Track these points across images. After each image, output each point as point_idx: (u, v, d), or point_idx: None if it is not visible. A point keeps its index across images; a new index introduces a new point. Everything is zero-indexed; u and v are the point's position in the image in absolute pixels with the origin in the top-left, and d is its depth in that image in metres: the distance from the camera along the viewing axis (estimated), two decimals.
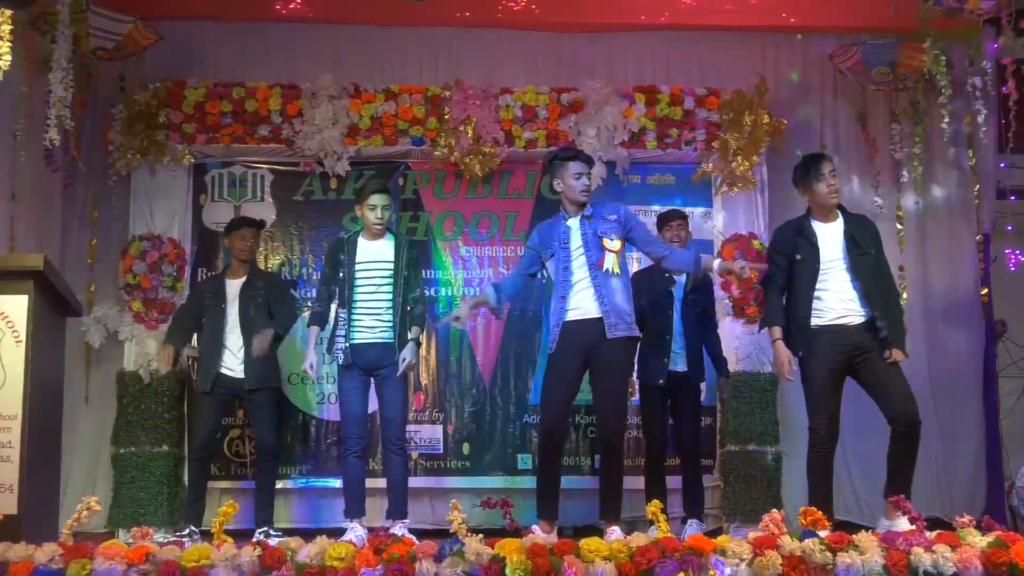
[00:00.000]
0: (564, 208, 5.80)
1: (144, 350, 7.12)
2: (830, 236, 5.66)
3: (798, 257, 5.67)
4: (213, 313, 6.64)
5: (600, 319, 5.54)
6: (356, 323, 6.10)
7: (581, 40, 8.03)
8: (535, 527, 5.56)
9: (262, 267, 7.24)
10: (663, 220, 6.87)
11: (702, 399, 6.96)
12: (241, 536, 4.28)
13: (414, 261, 6.28)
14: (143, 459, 6.96)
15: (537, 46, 8.02)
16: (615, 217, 5.71)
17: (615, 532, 5.38)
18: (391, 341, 6.11)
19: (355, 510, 6.10)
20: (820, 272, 5.60)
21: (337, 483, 6.99)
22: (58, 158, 6.76)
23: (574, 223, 5.71)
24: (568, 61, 8.00)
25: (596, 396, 5.72)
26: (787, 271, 5.75)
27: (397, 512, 6.11)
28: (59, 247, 7.40)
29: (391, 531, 5.54)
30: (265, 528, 6.43)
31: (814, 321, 5.60)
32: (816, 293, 5.59)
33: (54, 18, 6.37)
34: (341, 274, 6.16)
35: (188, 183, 7.51)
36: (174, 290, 7.22)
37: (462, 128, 7.35)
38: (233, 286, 6.68)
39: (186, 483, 6.98)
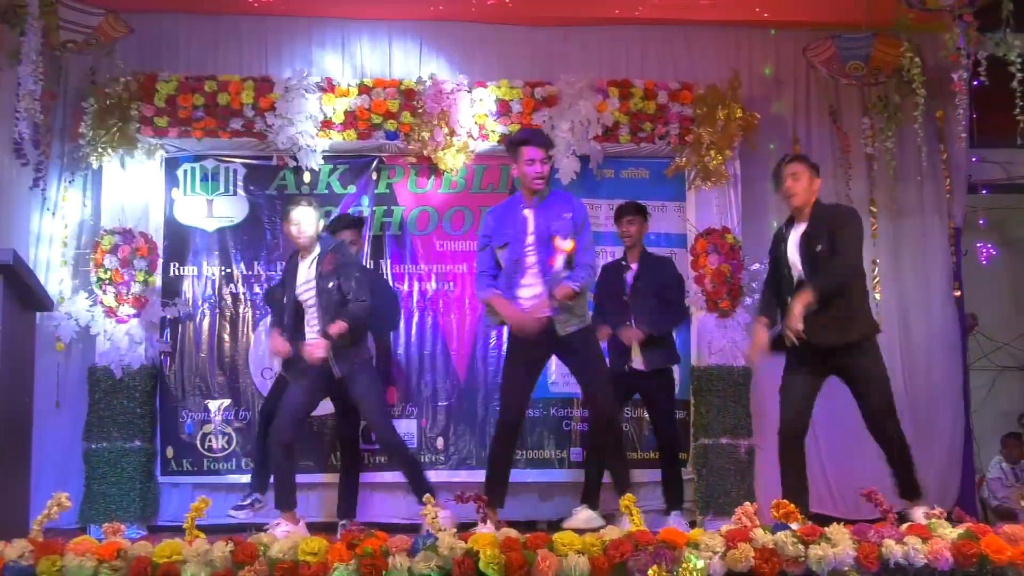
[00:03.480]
0: (521, 193, 5.58)
1: (116, 344, 7.07)
2: (793, 240, 5.57)
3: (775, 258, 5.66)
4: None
5: (549, 319, 5.39)
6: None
7: (555, 34, 8.02)
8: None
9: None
10: (617, 214, 6.86)
11: (676, 392, 6.95)
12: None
13: (342, 267, 5.99)
14: (115, 454, 6.94)
15: (511, 40, 8.00)
16: (570, 215, 5.48)
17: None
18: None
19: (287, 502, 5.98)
20: (784, 278, 5.56)
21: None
22: (28, 151, 6.71)
23: (529, 213, 5.49)
24: (542, 55, 7.99)
25: (580, 381, 5.64)
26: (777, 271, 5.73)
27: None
28: (29, 241, 7.34)
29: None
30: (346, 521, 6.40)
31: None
32: (788, 296, 5.51)
33: (23, 11, 6.34)
34: (285, 299, 6.08)
35: (160, 177, 7.46)
36: (146, 284, 7.16)
37: (436, 122, 7.32)
38: None
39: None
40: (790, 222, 5.65)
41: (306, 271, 6.01)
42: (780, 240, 5.64)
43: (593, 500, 6.37)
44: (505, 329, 5.67)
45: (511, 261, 5.47)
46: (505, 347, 5.78)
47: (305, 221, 5.97)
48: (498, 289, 5.48)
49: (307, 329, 5.98)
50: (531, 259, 5.45)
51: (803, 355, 5.46)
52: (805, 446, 5.60)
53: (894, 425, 5.48)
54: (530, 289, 5.44)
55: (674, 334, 6.90)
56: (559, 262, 5.34)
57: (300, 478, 6.70)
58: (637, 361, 6.58)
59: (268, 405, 6.68)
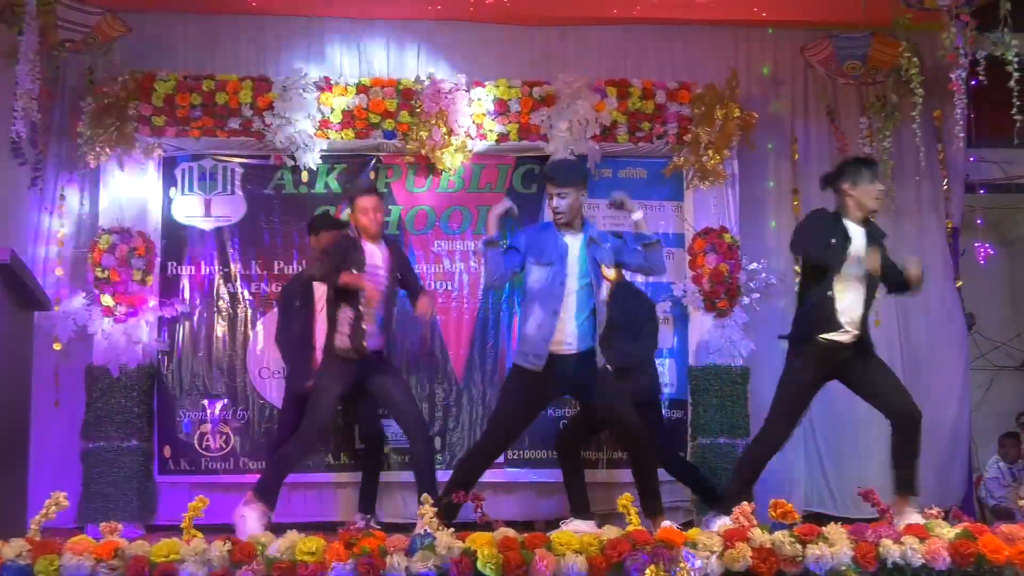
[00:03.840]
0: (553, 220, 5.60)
1: (114, 344, 7.06)
2: (858, 240, 5.47)
3: (832, 241, 5.41)
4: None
5: (592, 349, 5.46)
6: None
7: (553, 34, 8.03)
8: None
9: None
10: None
11: (662, 395, 6.93)
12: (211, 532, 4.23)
13: (404, 260, 6.40)
14: (113, 454, 6.93)
15: (509, 40, 8.00)
16: (608, 244, 5.62)
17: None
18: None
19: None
20: (842, 271, 5.41)
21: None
22: (25, 151, 6.71)
23: (573, 241, 5.52)
24: (540, 55, 8.00)
25: (605, 409, 5.59)
26: None
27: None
28: (27, 240, 7.35)
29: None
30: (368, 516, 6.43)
31: (821, 326, 5.42)
32: (833, 293, 5.40)
33: (21, 10, 6.34)
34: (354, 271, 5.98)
35: (158, 176, 7.46)
36: (144, 284, 7.15)
37: (434, 122, 7.31)
38: None
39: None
40: (836, 216, 5.56)
41: (377, 255, 6.09)
42: (842, 232, 5.46)
43: (581, 510, 6.20)
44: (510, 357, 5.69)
45: (555, 283, 5.43)
46: (509, 371, 5.76)
47: (375, 208, 6.10)
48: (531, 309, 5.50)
49: (362, 310, 5.93)
50: (572, 284, 5.45)
51: (817, 356, 5.43)
52: None
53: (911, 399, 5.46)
54: (573, 312, 5.45)
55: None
56: (605, 291, 5.62)
57: (300, 477, 6.77)
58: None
59: (280, 437, 6.56)
